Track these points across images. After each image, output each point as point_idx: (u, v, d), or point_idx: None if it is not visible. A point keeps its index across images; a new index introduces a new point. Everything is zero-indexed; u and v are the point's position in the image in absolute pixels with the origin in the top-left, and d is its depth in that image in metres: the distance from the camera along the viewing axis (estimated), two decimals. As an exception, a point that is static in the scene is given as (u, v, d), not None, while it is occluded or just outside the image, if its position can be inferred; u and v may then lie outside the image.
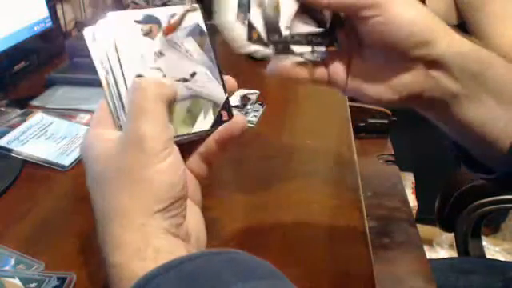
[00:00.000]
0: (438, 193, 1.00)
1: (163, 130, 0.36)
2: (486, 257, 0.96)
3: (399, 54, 0.40)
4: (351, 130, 0.77)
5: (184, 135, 0.40)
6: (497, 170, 0.44)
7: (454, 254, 1.28)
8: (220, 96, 0.41)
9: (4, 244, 0.51)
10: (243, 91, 0.86)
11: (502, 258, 1.66)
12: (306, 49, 0.43)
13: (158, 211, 0.34)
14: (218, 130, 0.40)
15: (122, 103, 0.39)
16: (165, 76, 0.40)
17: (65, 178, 0.64)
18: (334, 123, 0.80)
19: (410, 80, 0.41)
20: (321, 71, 0.44)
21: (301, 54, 0.42)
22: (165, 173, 0.35)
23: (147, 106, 0.36)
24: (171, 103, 0.39)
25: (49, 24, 0.93)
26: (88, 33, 0.41)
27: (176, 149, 0.37)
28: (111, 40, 0.40)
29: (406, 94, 0.42)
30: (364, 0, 0.39)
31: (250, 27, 0.41)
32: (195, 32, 0.41)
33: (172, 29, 0.41)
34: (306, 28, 0.42)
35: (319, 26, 0.43)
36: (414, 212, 1.52)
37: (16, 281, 0.46)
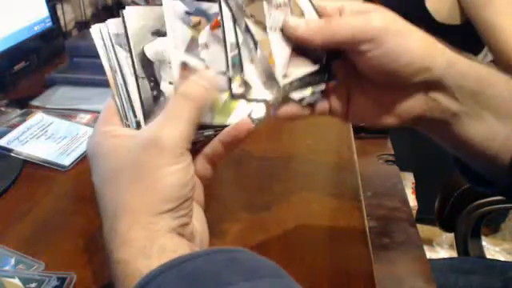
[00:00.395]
0: (437, 193, 1.00)
1: (185, 139, 0.36)
2: (485, 257, 0.96)
3: (399, 82, 0.40)
4: (351, 130, 0.77)
5: (217, 126, 0.40)
6: (498, 183, 0.44)
7: (453, 254, 1.28)
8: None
9: (4, 244, 0.51)
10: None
11: (501, 258, 1.66)
12: (306, 92, 0.42)
13: (167, 211, 0.34)
14: (224, 132, 0.40)
15: (131, 103, 0.39)
16: (207, 67, 0.40)
17: (65, 178, 0.64)
18: (333, 123, 0.80)
19: (411, 104, 0.42)
20: (322, 105, 0.44)
21: (302, 100, 0.42)
22: (177, 174, 0.35)
23: (180, 114, 0.36)
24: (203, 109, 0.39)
25: (49, 24, 0.93)
26: (95, 30, 0.40)
27: (189, 154, 0.37)
28: (119, 38, 0.40)
29: (407, 117, 0.42)
30: (360, 35, 0.38)
31: (246, 86, 0.41)
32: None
33: (218, 24, 0.41)
34: (303, 70, 0.41)
35: (315, 63, 0.42)
36: (414, 212, 1.52)
37: (16, 281, 0.46)
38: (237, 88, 0.41)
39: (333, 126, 0.79)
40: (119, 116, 0.40)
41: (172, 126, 0.36)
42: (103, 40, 0.40)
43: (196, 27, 0.40)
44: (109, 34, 0.40)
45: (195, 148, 0.40)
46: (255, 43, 0.41)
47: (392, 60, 0.39)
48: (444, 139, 0.45)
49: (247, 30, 0.41)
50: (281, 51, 0.41)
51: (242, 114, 0.41)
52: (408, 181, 1.61)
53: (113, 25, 0.40)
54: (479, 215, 0.90)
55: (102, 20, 0.41)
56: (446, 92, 0.41)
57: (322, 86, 0.42)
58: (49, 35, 0.96)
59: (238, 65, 0.41)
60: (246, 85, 0.41)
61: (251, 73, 0.41)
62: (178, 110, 0.36)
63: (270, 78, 0.41)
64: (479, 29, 1.34)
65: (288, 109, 0.42)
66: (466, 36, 1.42)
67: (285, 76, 0.41)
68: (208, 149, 0.41)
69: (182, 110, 0.36)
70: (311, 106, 0.43)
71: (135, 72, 0.39)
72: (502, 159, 0.42)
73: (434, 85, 0.40)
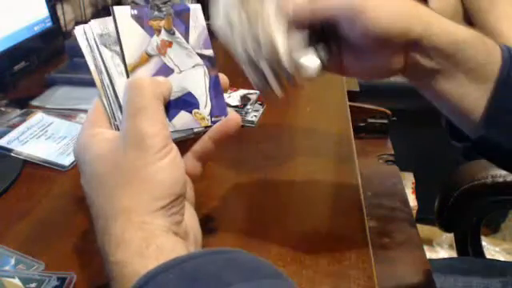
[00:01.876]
0: (437, 193, 1.00)
1: (162, 127, 0.36)
2: (485, 257, 0.96)
3: (381, 45, 0.43)
4: (351, 130, 0.77)
5: (183, 131, 0.40)
6: (470, 138, 0.47)
7: (453, 254, 1.28)
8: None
9: (4, 244, 0.51)
10: (243, 91, 0.86)
11: (501, 258, 1.66)
12: (311, 53, 0.44)
13: (159, 209, 0.34)
14: (213, 128, 0.41)
15: (119, 103, 0.39)
16: (177, 67, 0.41)
17: (65, 177, 0.64)
18: (333, 123, 0.80)
19: (394, 61, 0.44)
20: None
21: (312, 61, 0.44)
22: (166, 170, 0.35)
23: (145, 104, 0.36)
24: (166, 100, 0.39)
25: (49, 24, 0.93)
26: (79, 31, 0.40)
27: (175, 146, 0.37)
28: (104, 38, 0.40)
29: (393, 70, 0.45)
30: (342, 8, 0.42)
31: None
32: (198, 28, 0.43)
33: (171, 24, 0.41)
34: (298, 37, 0.43)
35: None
36: (414, 212, 1.52)
37: (16, 281, 0.46)
38: None
39: (333, 126, 0.79)
40: (106, 117, 0.40)
41: (141, 120, 0.35)
42: (87, 40, 0.40)
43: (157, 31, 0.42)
44: (93, 34, 0.40)
45: (185, 146, 0.40)
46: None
47: (372, 29, 0.41)
48: (424, 91, 0.47)
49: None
50: (279, 32, 0.42)
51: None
52: (408, 181, 1.61)
53: (96, 25, 0.40)
54: (479, 215, 0.90)
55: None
56: (423, 52, 0.43)
57: (320, 44, 0.44)
58: (49, 35, 0.96)
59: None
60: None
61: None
62: (136, 101, 0.36)
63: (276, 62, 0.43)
64: (482, 33, 1.34)
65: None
66: None
67: (286, 52, 0.42)
68: (197, 146, 0.41)
69: (139, 98, 0.36)
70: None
71: (127, 71, 0.40)
72: (474, 118, 0.44)
73: (412, 45, 0.42)
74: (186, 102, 0.41)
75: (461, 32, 0.43)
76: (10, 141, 0.70)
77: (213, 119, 0.42)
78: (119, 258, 0.33)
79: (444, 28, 0.43)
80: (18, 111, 0.79)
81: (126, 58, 0.40)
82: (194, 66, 0.42)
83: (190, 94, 0.42)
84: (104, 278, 0.47)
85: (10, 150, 0.68)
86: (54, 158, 0.67)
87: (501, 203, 0.89)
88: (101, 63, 0.40)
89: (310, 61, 0.44)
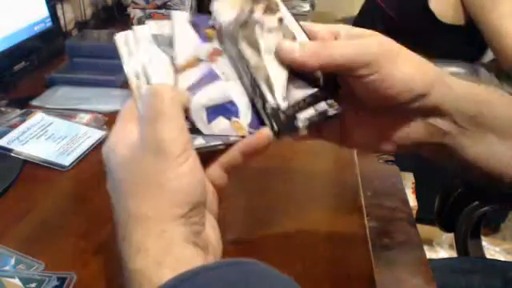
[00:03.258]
0: (437, 193, 1.00)
1: (181, 132, 0.35)
2: (485, 257, 0.96)
3: (396, 107, 0.40)
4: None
5: (214, 145, 0.40)
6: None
7: (453, 254, 1.27)
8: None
9: (4, 244, 0.51)
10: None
11: (501, 258, 1.66)
12: (310, 112, 0.40)
13: (178, 217, 0.34)
14: (243, 141, 0.40)
15: None
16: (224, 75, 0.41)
17: (65, 178, 0.64)
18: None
19: (409, 130, 0.41)
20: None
21: (307, 120, 0.40)
22: (183, 177, 0.35)
23: (164, 110, 0.35)
24: (185, 109, 0.38)
25: (49, 24, 0.94)
26: (120, 38, 0.41)
27: (195, 153, 0.36)
28: (157, 39, 0.40)
29: (406, 143, 0.42)
30: (358, 60, 0.38)
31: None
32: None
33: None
34: (301, 92, 0.40)
35: (312, 86, 0.40)
36: (414, 212, 1.52)
37: (16, 281, 0.46)
38: None
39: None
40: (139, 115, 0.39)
41: (161, 126, 0.35)
42: (128, 46, 0.40)
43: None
44: (134, 38, 0.41)
45: (213, 157, 0.40)
46: (248, 67, 0.40)
47: (389, 86, 0.38)
48: (447, 163, 0.44)
49: (240, 55, 0.40)
50: (278, 74, 0.40)
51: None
52: (408, 181, 1.61)
53: (153, 25, 0.41)
54: (479, 215, 0.89)
55: (102, 20, 0.41)
56: (445, 116, 0.40)
57: (324, 106, 0.41)
58: (49, 35, 0.96)
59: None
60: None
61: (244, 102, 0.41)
62: (156, 107, 0.36)
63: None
64: (484, 32, 1.34)
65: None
66: (469, 36, 1.42)
67: (285, 99, 0.40)
68: (225, 157, 0.40)
69: (159, 105, 0.36)
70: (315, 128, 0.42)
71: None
72: (506, 180, 0.42)
73: (431, 110, 0.40)
74: (227, 109, 0.41)
75: (481, 91, 0.41)
76: (10, 141, 0.70)
77: (250, 130, 0.40)
78: (138, 266, 0.33)
79: (465, 89, 0.40)
80: (18, 111, 0.79)
81: (177, 58, 0.40)
82: (240, 77, 0.42)
83: (231, 102, 0.41)
84: (104, 278, 0.47)
85: (10, 150, 0.68)
86: (54, 158, 0.67)
87: (501, 203, 0.89)
88: (140, 69, 0.40)
89: (305, 114, 0.40)
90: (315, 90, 0.40)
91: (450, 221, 0.93)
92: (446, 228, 0.97)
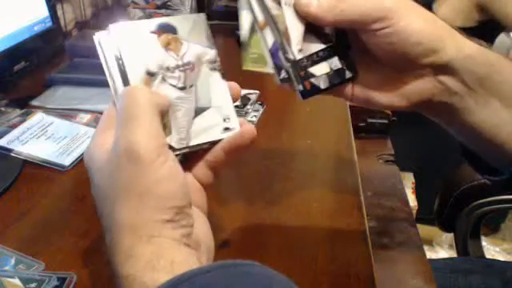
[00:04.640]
0: (437, 193, 1.00)
1: (155, 136, 0.34)
2: (485, 257, 0.96)
3: (408, 63, 0.41)
4: (351, 130, 0.77)
5: (198, 145, 0.40)
6: (504, 172, 0.44)
7: (453, 254, 1.28)
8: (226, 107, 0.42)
9: (4, 244, 0.51)
10: (243, 91, 0.86)
11: (501, 258, 1.66)
12: (325, 69, 0.43)
13: (165, 221, 0.34)
14: (227, 140, 0.40)
15: None
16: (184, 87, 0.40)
17: (65, 178, 0.64)
18: (333, 123, 0.80)
19: (420, 86, 0.42)
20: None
21: (321, 76, 0.43)
22: (163, 182, 0.34)
23: (137, 113, 0.35)
24: (165, 113, 0.38)
25: (49, 24, 0.93)
26: (97, 38, 0.40)
27: (172, 156, 0.36)
28: (121, 48, 0.39)
29: (416, 99, 0.43)
30: (372, 14, 0.39)
31: (277, 69, 0.42)
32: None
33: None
34: (315, 46, 0.43)
35: (326, 42, 0.43)
36: (414, 212, 1.52)
37: (16, 281, 0.46)
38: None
39: (333, 126, 0.79)
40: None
41: (133, 129, 0.34)
42: (102, 48, 0.40)
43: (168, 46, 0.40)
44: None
45: (196, 155, 0.40)
46: (272, 17, 0.42)
47: (402, 39, 0.39)
48: (451, 125, 0.45)
49: (263, 4, 0.42)
50: (295, 26, 0.42)
51: (218, 131, 0.41)
52: (408, 181, 1.61)
53: (112, 35, 0.40)
54: (479, 215, 0.90)
55: (102, 20, 0.41)
56: (455, 76, 0.41)
57: (338, 63, 0.43)
58: (49, 35, 0.96)
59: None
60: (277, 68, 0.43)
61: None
62: (129, 109, 0.35)
63: (286, 53, 0.42)
64: (505, 24, 1.34)
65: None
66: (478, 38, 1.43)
67: (300, 50, 0.42)
68: (210, 156, 0.40)
69: (133, 106, 0.35)
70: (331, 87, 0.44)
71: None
72: (509, 148, 0.42)
73: (442, 68, 0.41)
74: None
75: (491, 55, 0.41)
76: (10, 141, 0.70)
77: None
78: (129, 272, 0.33)
79: (476, 50, 0.41)
80: (18, 111, 0.79)
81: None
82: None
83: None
84: (104, 278, 0.47)
85: (10, 150, 0.68)
86: (54, 158, 0.67)
87: (501, 203, 0.89)
88: (116, 72, 0.39)
89: (319, 68, 0.43)
90: (328, 44, 0.43)
91: (450, 221, 0.94)
92: (446, 228, 0.98)
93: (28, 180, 0.64)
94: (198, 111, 0.41)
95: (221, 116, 0.41)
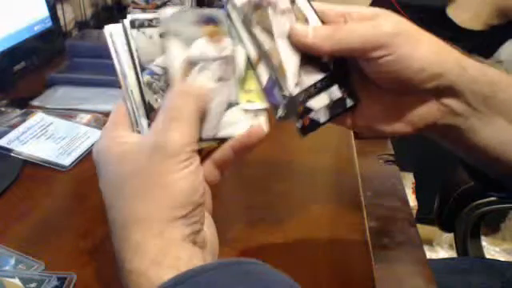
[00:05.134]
0: (437, 193, 1.00)
1: (192, 140, 0.35)
2: (485, 257, 0.96)
3: (410, 88, 0.40)
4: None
5: (220, 139, 0.40)
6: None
7: (453, 254, 1.28)
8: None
9: (4, 244, 0.51)
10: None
11: (501, 259, 1.66)
12: (324, 100, 0.41)
13: (179, 218, 0.34)
14: (236, 139, 0.40)
15: (146, 109, 0.39)
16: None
17: (65, 177, 0.64)
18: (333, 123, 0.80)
19: (423, 111, 0.41)
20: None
21: (321, 109, 0.41)
22: (186, 179, 0.34)
23: (184, 114, 0.35)
24: (204, 114, 0.38)
25: (49, 24, 0.93)
26: (109, 30, 0.39)
27: (198, 157, 0.36)
28: (131, 45, 0.39)
29: (421, 124, 0.42)
30: (371, 42, 0.38)
31: (274, 107, 0.41)
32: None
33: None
34: (313, 78, 0.41)
35: (323, 71, 0.41)
36: (414, 212, 1.52)
37: (16, 281, 0.46)
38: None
39: (333, 126, 0.79)
40: (129, 120, 0.39)
41: (175, 127, 0.35)
42: (114, 44, 0.40)
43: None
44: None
45: (202, 154, 0.40)
46: (265, 53, 0.40)
47: (403, 66, 0.38)
48: (456, 146, 0.44)
49: (255, 39, 0.40)
50: (291, 59, 0.40)
51: (244, 127, 0.40)
52: (408, 181, 1.61)
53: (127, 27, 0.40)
54: (479, 215, 0.90)
55: (102, 20, 0.41)
56: (459, 97, 0.40)
57: (338, 93, 0.42)
58: (49, 35, 0.96)
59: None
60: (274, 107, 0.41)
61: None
62: (179, 109, 0.36)
63: (282, 89, 0.40)
64: None
65: None
66: (488, 40, 1.43)
67: (297, 84, 0.40)
68: (217, 155, 0.40)
69: (183, 108, 0.36)
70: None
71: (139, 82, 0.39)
72: None
73: (445, 90, 0.40)
74: None
75: (493, 73, 0.41)
76: (10, 141, 0.70)
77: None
78: (136, 266, 0.33)
79: (479, 69, 0.40)
80: (18, 111, 0.79)
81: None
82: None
83: None
84: (104, 278, 0.47)
85: (10, 150, 0.68)
86: (54, 158, 0.67)
87: (500, 203, 0.89)
88: (131, 66, 0.39)
89: (318, 101, 0.41)
90: (326, 73, 0.41)
91: (450, 221, 0.94)
92: (446, 228, 0.98)
93: (28, 180, 0.64)
94: (229, 105, 0.40)
95: (249, 112, 0.41)
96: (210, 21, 0.40)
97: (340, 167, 0.68)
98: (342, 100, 0.42)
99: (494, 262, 0.94)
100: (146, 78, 0.39)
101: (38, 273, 0.47)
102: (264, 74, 0.41)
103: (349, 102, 0.42)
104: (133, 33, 0.39)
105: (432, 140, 0.46)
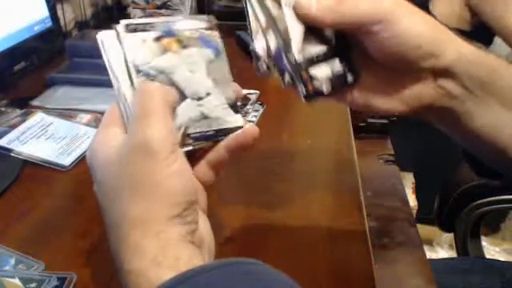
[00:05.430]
0: (437, 193, 1.00)
1: (169, 133, 0.35)
2: (485, 257, 0.96)
3: (407, 66, 0.40)
4: (351, 130, 0.77)
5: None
6: (507, 176, 0.44)
7: (453, 254, 1.28)
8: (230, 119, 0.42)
9: (4, 244, 0.51)
10: (243, 91, 0.86)
11: (501, 259, 1.66)
12: (326, 71, 0.43)
13: (173, 217, 0.34)
14: (229, 138, 0.40)
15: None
16: (183, 91, 0.40)
17: (65, 177, 0.64)
18: (333, 123, 0.80)
19: (420, 91, 0.42)
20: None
21: (331, 80, 0.43)
22: (174, 177, 0.34)
23: (154, 109, 0.35)
24: (174, 110, 0.38)
25: (49, 24, 0.93)
26: (100, 38, 0.40)
27: (182, 153, 0.36)
28: (124, 49, 0.39)
29: (416, 104, 0.42)
30: (371, 16, 0.39)
31: (281, 72, 0.43)
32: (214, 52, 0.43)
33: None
34: (315, 49, 0.42)
35: (325, 44, 0.43)
36: (414, 212, 1.52)
37: (16, 281, 0.46)
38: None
39: (333, 126, 0.79)
40: (121, 118, 0.39)
41: (149, 124, 0.35)
42: (103, 47, 0.40)
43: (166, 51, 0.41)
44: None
45: (196, 155, 0.40)
46: (272, 18, 0.42)
47: (401, 42, 0.39)
48: (452, 129, 0.45)
49: (264, 8, 0.42)
50: (296, 27, 0.42)
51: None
52: (408, 181, 1.61)
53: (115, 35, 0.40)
54: (479, 215, 0.90)
55: (102, 20, 0.41)
56: (455, 80, 0.41)
57: (339, 66, 0.43)
58: (49, 35, 0.96)
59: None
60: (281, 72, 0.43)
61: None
62: (147, 107, 0.36)
63: (288, 54, 0.42)
64: (501, 35, 1.34)
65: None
66: (475, 40, 1.43)
67: (300, 51, 0.42)
68: (211, 155, 0.40)
69: (151, 104, 0.36)
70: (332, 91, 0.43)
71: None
72: (510, 152, 0.42)
73: (442, 72, 0.41)
74: None
75: (492, 59, 0.41)
76: (10, 141, 0.70)
77: None
78: (135, 267, 0.33)
79: (477, 55, 0.41)
80: (18, 111, 0.79)
81: None
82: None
83: None
84: (104, 278, 0.47)
85: (10, 150, 0.68)
86: (54, 158, 0.67)
87: (500, 203, 0.89)
88: (121, 72, 0.39)
89: (321, 71, 0.42)
90: (327, 46, 0.43)
91: (450, 221, 0.94)
92: (446, 228, 0.98)
93: (28, 180, 0.64)
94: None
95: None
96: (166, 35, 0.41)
97: (340, 167, 0.68)
98: (343, 74, 0.43)
99: (494, 262, 0.94)
100: (141, 79, 0.39)
101: (38, 273, 0.47)
102: (273, 41, 0.42)
103: (349, 77, 0.43)
104: (126, 36, 0.39)
105: (432, 140, 0.46)
